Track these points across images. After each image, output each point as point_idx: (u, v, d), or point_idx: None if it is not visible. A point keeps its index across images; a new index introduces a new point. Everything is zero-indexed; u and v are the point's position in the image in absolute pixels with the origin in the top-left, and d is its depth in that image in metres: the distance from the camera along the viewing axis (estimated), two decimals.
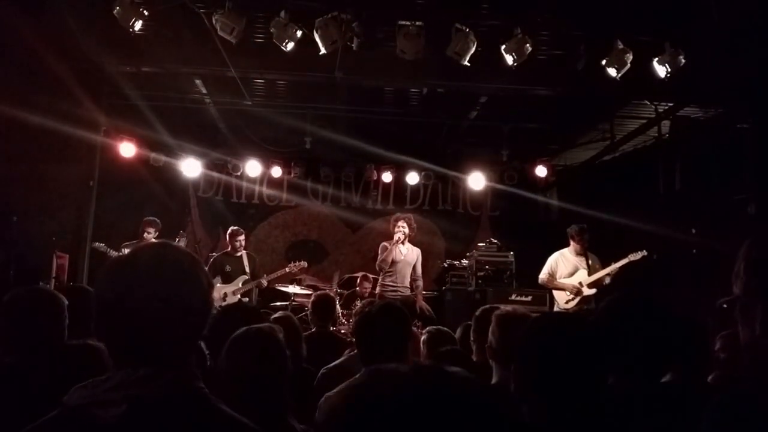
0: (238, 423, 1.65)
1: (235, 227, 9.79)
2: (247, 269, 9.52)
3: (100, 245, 9.28)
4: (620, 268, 8.60)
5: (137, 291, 1.60)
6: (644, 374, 2.42)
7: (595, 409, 1.91)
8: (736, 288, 1.47)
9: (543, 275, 8.87)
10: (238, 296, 9.26)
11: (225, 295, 9.15)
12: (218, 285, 9.17)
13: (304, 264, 9.92)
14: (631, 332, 2.42)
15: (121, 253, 8.80)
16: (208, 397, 1.64)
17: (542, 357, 1.96)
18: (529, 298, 9.20)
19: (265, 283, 9.55)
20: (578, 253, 8.79)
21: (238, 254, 9.60)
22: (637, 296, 2.61)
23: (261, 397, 2.67)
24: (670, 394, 2.49)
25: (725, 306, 1.54)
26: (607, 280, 8.61)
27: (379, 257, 8.80)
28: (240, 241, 9.61)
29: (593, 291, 8.60)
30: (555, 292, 8.86)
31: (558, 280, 8.77)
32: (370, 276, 10.02)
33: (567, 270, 8.79)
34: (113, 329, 1.65)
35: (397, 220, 8.81)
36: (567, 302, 8.69)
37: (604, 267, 8.66)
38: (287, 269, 9.77)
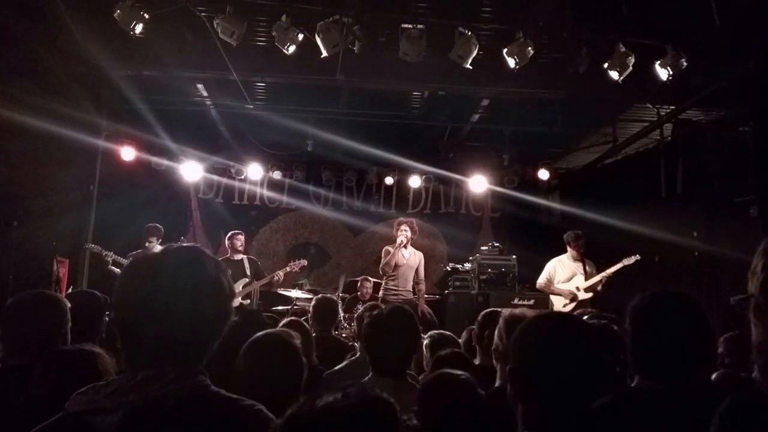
0: (239, 407, 1.64)
1: (237, 230, 9.79)
2: (248, 272, 9.51)
3: (94, 246, 9.24)
4: (614, 272, 8.75)
5: (160, 294, 1.61)
6: (672, 375, 2.39)
7: (588, 414, 1.89)
8: (752, 286, 1.44)
9: (541, 280, 9.10)
10: (239, 299, 9.25)
11: None
12: None
13: (304, 262, 9.91)
14: (663, 332, 2.40)
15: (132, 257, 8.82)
16: (207, 387, 1.64)
17: (534, 358, 1.93)
18: (532, 302, 9.23)
19: (282, 274, 9.53)
20: (575, 259, 9.01)
21: (238, 258, 9.59)
22: (671, 296, 2.58)
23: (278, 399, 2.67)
24: (687, 396, 2.46)
25: (736, 303, 1.51)
26: (599, 287, 8.76)
27: (382, 261, 8.82)
28: (240, 240, 9.61)
29: (589, 295, 8.79)
30: (552, 297, 9.07)
31: (555, 285, 8.94)
32: (371, 278, 10.02)
33: (565, 275, 9.00)
34: (133, 331, 1.64)
35: (399, 224, 8.84)
36: (564, 306, 8.90)
37: (599, 272, 8.81)
38: (288, 268, 9.75)
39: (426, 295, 9.30)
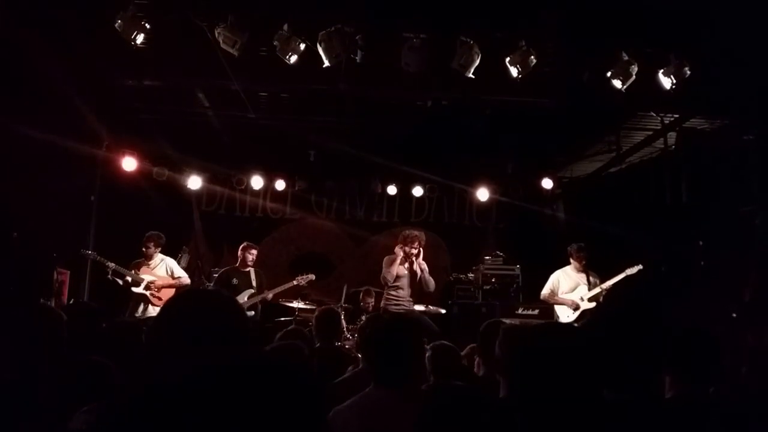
0: None
1: (249, 242, 9.75)
2: (254, 284, 9.50)
3: (89, 252, 9.18)
4: (616, 282, 8.73)
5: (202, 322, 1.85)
6: (638, 387, 2.37)
7: (580, 420, 1.87)
8: (747, 296, 1.42)
9: (545, 291, 9.15)
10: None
11: None
12: None
13: (311, 276, 9.86)
14: (623, 344, 2.38)
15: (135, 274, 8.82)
16: None
17: (524, 367, 1.93)
18: (536, 312, 9.22)
19: (270, 296, 9.50)
20: (579, 270, 8.98)
21: (246, 269, 9.56)
22: (631, 309, 2.57)
23: None
24: (668, 407, 2.44)
25: (734, 315, 1.50)
26: (601, 298, 8.75)
27: (384, 269, 8.77)
28: (253, 255, 9.60)
29: (592, 305, 8.79)
30: (556, 308, 9.11)
31: (559, 296, 8.94)
32: (373, 290, 9.96)
33: (568, 286, 9.04)
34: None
35: (412, 240, 8.73)
36: (568, 316, 8.88)
37: (603, 283, 8.80)
38: (295, 282, 9.72)
39: (429, 307, 9.26)
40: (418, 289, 8.93)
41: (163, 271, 9.22)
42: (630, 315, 2.54)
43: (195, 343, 1.72)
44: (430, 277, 8.89)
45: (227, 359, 1.27)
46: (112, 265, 8.98)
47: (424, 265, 8.84)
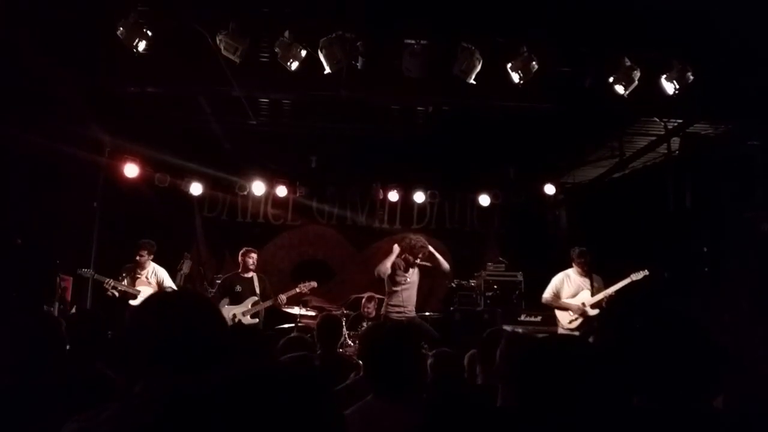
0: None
1: (248, 247, 9.74)
2: (257, 290, 9.48)
3: (86, 271, 9.15)
4: (621, 288, 8.63)
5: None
6: (675, 396, 2.34)
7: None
8: (745, 304, 1.40)
9: (547, 294, 8.92)
10: (248, 317, 9.21)
11: (234, 316, 9.10)
12: (227, 306, 9.13)
13: (313, 284, 9.85)
14: (663, 351, 2.35)
15: (121, 281, 8.79)
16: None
17: (527, 375, 1.92)
18: (539, 318, 9.17)
19: (284, 299, 9.50)
20: (582, 275, 8.82)
21: (249, 275, 9.54)
22: (670, 313, 2.53)
23: None
24: (676, 417, 2.41)
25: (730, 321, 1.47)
26: (604, 303, 8.63)
27: (379, 266, 8.81)
28: (253, 259, 9.58)
29: (596, 311, 8.63)
30: (557, 313, 8.90)
31: (563, 300, 8.78)
32: (375, 296, 9.94)
33: (571, 290, 8.86)
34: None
35: (418, 251, 8.72)
36: (570, 322, 8.71)
37: (607, 288, 8.67)
38: (298, 289, 9.71)
39: (431, 313, 9.23)
40: (421, 294, 8.94)
41: (155, 281, 9.22)
42: (647, 321, 2.51)
43: (169, 350, 1.71)
44: (440, 257, 8.97)
45: (224, 371, 1.26)
46: (110, 282, 8.96)
47: (434, 253, 8.92)
